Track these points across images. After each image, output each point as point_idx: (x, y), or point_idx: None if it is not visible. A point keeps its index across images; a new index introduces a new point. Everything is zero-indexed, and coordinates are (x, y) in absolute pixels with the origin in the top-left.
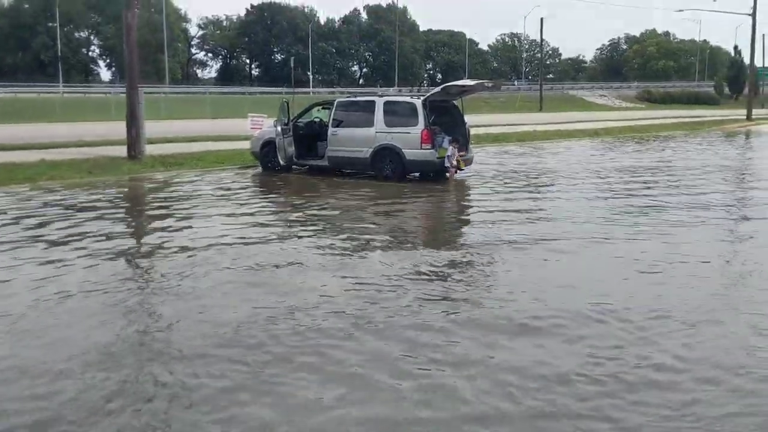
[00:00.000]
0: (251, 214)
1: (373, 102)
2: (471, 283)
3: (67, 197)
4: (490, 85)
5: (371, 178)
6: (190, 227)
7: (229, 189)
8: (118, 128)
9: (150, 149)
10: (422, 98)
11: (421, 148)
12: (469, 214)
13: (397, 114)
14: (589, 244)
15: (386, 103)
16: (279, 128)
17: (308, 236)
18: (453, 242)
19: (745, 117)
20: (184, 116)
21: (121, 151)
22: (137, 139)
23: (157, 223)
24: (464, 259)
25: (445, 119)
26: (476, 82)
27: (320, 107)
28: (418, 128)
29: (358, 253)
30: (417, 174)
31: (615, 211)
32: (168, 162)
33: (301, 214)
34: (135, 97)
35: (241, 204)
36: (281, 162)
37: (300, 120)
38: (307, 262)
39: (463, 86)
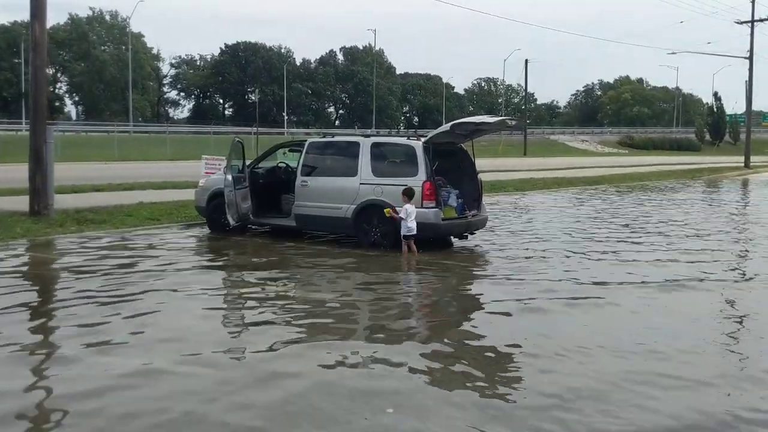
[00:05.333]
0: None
1: (358, 144)
2: None
3: None
4: (513, 123)
5: (354, 244)
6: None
7: (148, 270)
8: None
9: (70, 201)
10: (423, 140)
11: (423, 206)
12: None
13: (390, 160)
14: None
15: (374, 146)
16: (230, 177)
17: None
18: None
19: (742, 164)
20: (139, 158)
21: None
22: (43, 189)
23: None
24: None
25: (450, 167)
26: (496, 119)
27: (287, 149)
28: (419, 179)
29: None
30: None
31: None
32: (85, 219)
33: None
34: (41, 135)
35: (150, 293)
36: (231, 222)
37: (259, 166)
38: None
39: (479, 124)
